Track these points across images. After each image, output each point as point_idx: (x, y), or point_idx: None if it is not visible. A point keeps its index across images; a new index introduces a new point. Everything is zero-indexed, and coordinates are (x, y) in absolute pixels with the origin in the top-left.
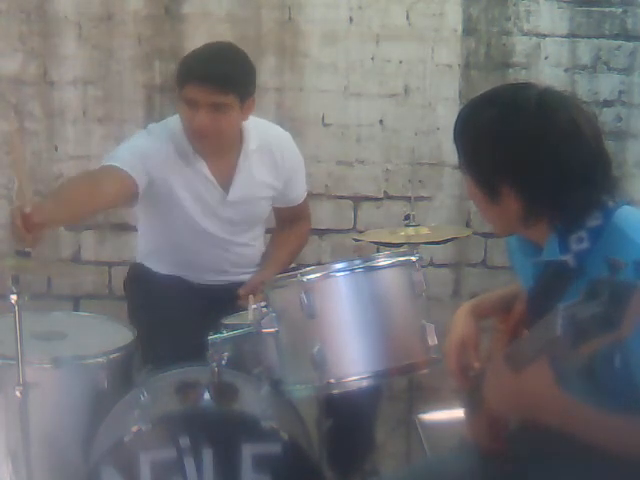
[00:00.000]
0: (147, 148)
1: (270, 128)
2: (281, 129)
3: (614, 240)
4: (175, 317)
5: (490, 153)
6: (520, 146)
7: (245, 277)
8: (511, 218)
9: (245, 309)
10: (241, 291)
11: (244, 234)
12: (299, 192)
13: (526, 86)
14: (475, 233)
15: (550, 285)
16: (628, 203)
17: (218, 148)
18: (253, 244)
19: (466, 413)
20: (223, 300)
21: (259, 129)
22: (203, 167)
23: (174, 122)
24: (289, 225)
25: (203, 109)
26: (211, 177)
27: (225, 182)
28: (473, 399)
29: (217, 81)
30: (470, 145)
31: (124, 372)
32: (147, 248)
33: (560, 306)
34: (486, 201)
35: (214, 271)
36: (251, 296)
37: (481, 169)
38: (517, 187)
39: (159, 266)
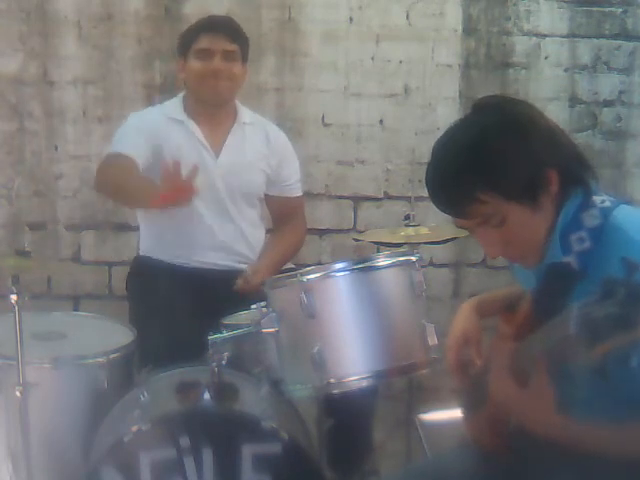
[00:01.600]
0: (142, 122)
1: (262, 118)
2: None
3: (617, 240)
4: (177, 313)
5: (529, 145)
6: (542, 126)
7: (244, 266)
8: (551, 215)
9: (243, 308)
10: (239, 281)
11: (239, 209)
12: (293, 181)
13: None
14: None
15: (555, 287)
16: (624, 202)
17: (227, 97)
18: (250, 223)
19: (464, 411)
20: (224, 290)
21: (251, 112)
22: (196, 131)
23: (163, 103)
24: (286, 222)
25: (216, 56)
26: (203, 140)
27: (217, 147)
28: (473, 397)
29: (227, 30)
30: (505, 157)
31: (124, 372)
32: (149, 233)
33: (574, 305)
34: (530, 213)
35: (214, 248)
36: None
37: (524, 169)
38: (557, 163)
39: (161, 252)
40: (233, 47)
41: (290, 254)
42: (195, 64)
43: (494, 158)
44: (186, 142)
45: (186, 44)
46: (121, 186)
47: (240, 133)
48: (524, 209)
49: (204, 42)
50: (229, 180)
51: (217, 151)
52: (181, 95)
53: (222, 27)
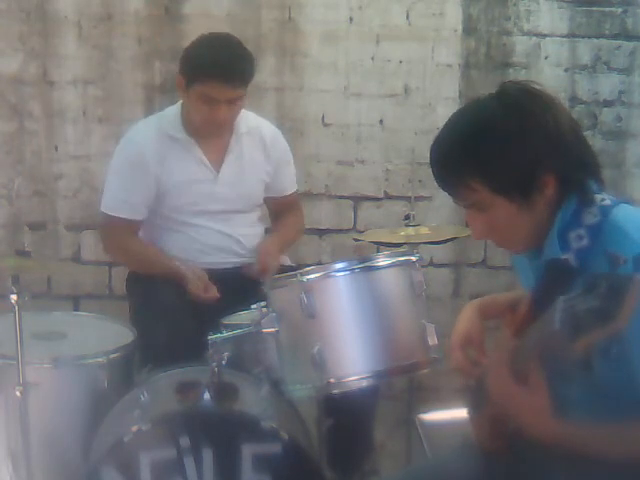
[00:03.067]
0: (137, 155)
1: (259, 118)
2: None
3: (614, 237)
4: (178, 312)
5: (529, 146)
6: (549, 128)
7: (247, 260)
8: (543, 215)
9: (243, 308)
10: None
11: (239, 215)
12: (289, 181)
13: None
14: None
15: (553, 284)
16: (625, 202)
17: (225, 132)
18: (249, 225)
19: (469, 411)
20: (225, 289)
21: (249, 117)
22: (196, 150)
23: (164, 114)
24: (284, 213)
25: (222, 105)
26: (204, 159)
27: (217, 163)
28: (475, 396)
29: (237, 80)
30: (501, 152)
31: (124, 372)
32: (149, 238)
33: (559, 299)
34: (517, 210)
35: (216, 251)
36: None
37: (518, 168)
38: (557, 169)
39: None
40: (241, 93)
41: (293, 236)
42: (198, 105)
43: (490, 152)
44: (186, 161)
45: (190, 74)
46: (141, 263)
47: (238, 146)
48: (510, 205)
49: (210, 89)
50: (229, 194)
51: (217, 167)
52: (180, 103)
53: (234, 76)
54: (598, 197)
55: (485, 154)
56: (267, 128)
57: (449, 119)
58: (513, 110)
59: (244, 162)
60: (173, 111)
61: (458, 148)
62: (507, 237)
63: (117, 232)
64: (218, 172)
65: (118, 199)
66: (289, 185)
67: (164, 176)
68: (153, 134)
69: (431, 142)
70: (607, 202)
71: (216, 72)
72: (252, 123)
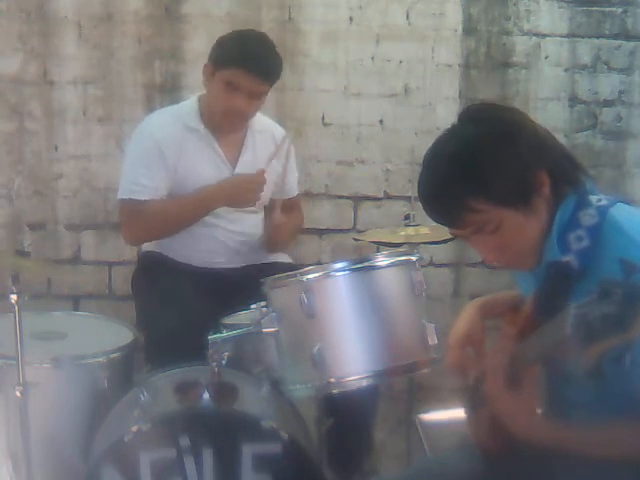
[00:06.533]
0: (155, 142)
1: (269, 120)
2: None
3: (617, 239)
4: (186, 308)
5: (519, 150)
6: (528, 130)
7: (254, 257)
8: (545, 217)
9: (243, 308)
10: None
11: (251, 217)
12: (294, 183)
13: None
14: None
15: (555, 286)
16: (621, 200)
17: (240, 128)
18: (253, 226)
19: (466, 411)
20: (228, 287)
21: (261, 117)
22: (214, 144)
23: (180, 106)
24: (286, 215)
25: (243, 94)
26: (221, 153)
27: (233, 159)
28: (475, 397)
29: (262, 73)
30: (497, 164)
31: (124, 372)
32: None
33: (571, 305)
34: (524, 218)
35: (220, 253)
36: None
37: (515, 174)
38: (547, 165)
39: (168, 251)
40: (265, 89)
41: (296, 229)
42: (219, 91)
43: (484, 166)
44: (203, 153)
45: (217, 60)
46: (175, 222)
47: (252, 144)
48: (517, 214)
49: (235, 76)
50: None
51: (233, 163)
52: (197, 97)
53: (256, 66)
54: (594, 198)
55: (483, 171)
56: (277, 129)
57: (427, 158)
58: (493, 123)
59: (258, 160)
60: (190, 104)
61: (454, 174)
62: (520, 251)
63: (138, 215)
64: (234, 168)
65: (138, 183)
66: (294, 187)
67: (180, 167)
68: (170, 123)
69: (431, 142)
70: (604, 202)
71: (242, 59)
72: (265, 123)
